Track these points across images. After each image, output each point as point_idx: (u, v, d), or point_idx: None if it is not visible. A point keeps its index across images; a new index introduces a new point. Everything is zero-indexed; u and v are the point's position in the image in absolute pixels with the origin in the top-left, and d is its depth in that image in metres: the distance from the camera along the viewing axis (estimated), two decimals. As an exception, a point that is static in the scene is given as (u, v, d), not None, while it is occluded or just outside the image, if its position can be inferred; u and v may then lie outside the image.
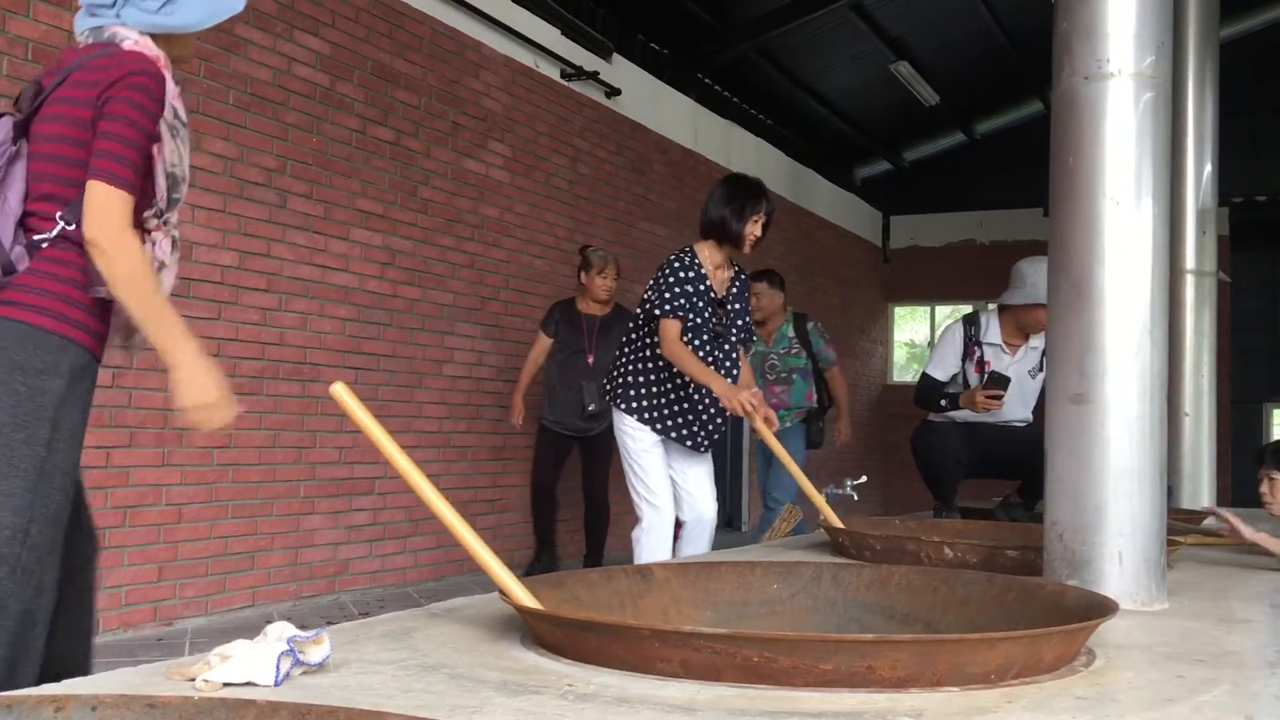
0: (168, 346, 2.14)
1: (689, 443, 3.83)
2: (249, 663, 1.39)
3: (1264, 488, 3.39)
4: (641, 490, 3.84)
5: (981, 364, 4.54)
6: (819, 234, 11.41)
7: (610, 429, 5.25)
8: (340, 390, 1.76)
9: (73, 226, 2.08)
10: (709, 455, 4.00)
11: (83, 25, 2.23)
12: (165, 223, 2.22)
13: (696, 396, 3.83)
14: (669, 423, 3.82)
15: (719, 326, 3.84)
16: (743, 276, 3.97)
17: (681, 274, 3.74)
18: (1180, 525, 3.77)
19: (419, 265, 5.67)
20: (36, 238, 2.09)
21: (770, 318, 6.18)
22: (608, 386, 4.01)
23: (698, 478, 3.96)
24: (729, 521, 9.50)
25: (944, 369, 4.61)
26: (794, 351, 6.24)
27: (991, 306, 4.70)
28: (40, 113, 2.13)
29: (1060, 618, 1.74)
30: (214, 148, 4.65)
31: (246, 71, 4.81)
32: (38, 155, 2.11)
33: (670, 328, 3.68)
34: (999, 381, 4.34)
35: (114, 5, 2.19)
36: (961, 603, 2.01)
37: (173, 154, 2.19)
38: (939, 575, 2.14)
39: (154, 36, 2.20)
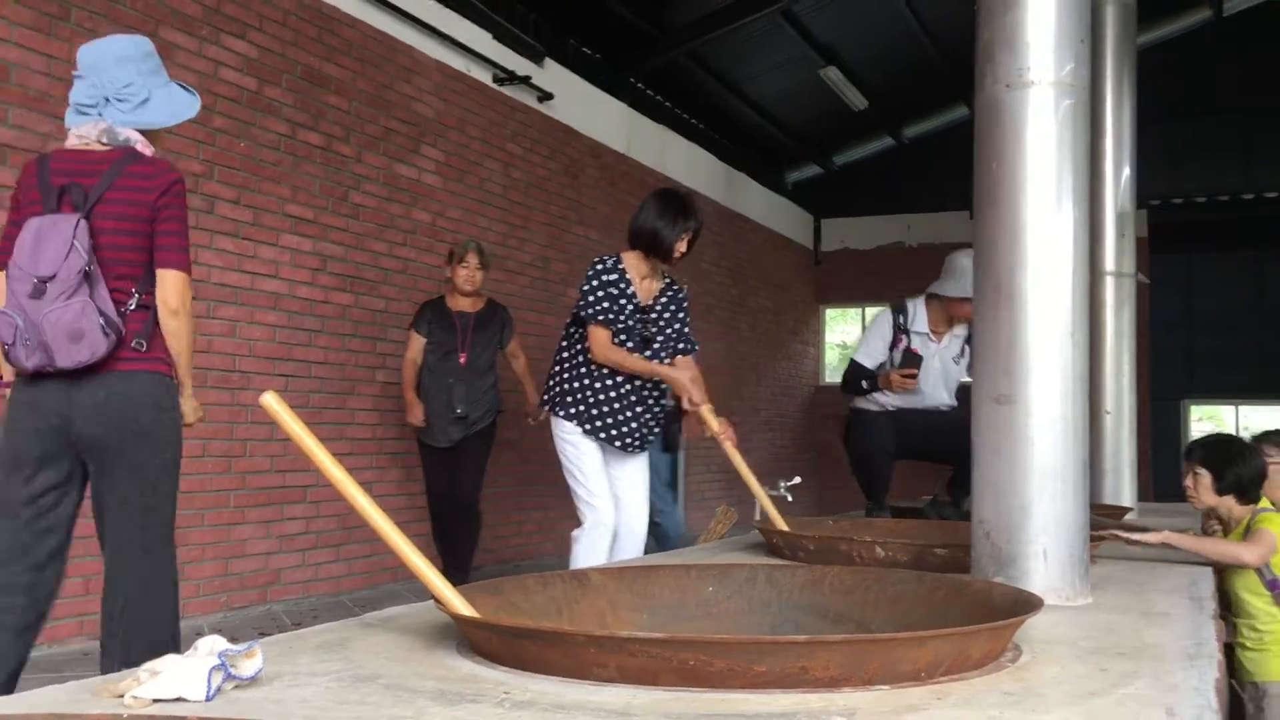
0: (188, 379, 2.99)
1: (618, 443, 3.85)
2: (179, 678, 1.37)
3: (1188, 481, 3.48)
4: (582, 493, 3.83)
5: (907, 352, 4.62)
6: (751, 237, 11.50)
7: (482, 432, 5.29)
8: (271, 400, 1.74)
9: (142, 299, 2.82)
10: (644, 461, 4.01)
11: (75, 121, 2.86)
12: None
13: (633, 398, 3.84)
14: (599, 423, 3.83)
15: (644, 333, 3.86)
16: (675, 287, 3.98)
17: (605, 277, 3.77)
18: (1103, 520, 3.87)
19: (351, 271, 5.62)
20: (121, 308, 2.79)
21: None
22: (544, 395, 4.01)
23: (631, 484, 3.97)
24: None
25: (872, 357, 4.68)
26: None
27: (920, 295, 4.76)
28: (96, 211, 2.77)
29: (987, 614, 1.78)
30: (138, 152, 4.57)
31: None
32: (107, 247, 2.77)
33: (598, 334, 3.72)
34: (912, 361, 4.51)
35: (97, 105, 2.84)
36: (892, 601, 2.05)
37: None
38: (870, 575, 2.17)
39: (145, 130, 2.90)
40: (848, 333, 15.12)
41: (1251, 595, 3.32)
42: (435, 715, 1.31)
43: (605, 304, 3.73)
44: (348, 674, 1.53)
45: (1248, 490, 3.41)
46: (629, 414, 3.83)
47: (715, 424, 3.68)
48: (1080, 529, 2.33)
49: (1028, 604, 1.73)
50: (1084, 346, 2.40)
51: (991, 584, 2.05)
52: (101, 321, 2.72)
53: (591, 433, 3.83)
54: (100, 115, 2.84)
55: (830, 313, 14.65)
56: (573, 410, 3.83)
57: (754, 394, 11.53)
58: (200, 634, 1.49)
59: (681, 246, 3.82)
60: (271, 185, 5.20)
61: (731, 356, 10.87)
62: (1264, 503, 3.42)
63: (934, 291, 4.69)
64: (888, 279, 13.42)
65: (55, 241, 2.70)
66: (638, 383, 3.85)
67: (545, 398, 3.98)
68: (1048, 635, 1.88)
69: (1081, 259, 2.42)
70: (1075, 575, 2.30)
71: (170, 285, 2.82)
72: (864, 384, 4.65)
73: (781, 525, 3.30)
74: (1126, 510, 4.85)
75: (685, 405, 3.77)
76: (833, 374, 14.65)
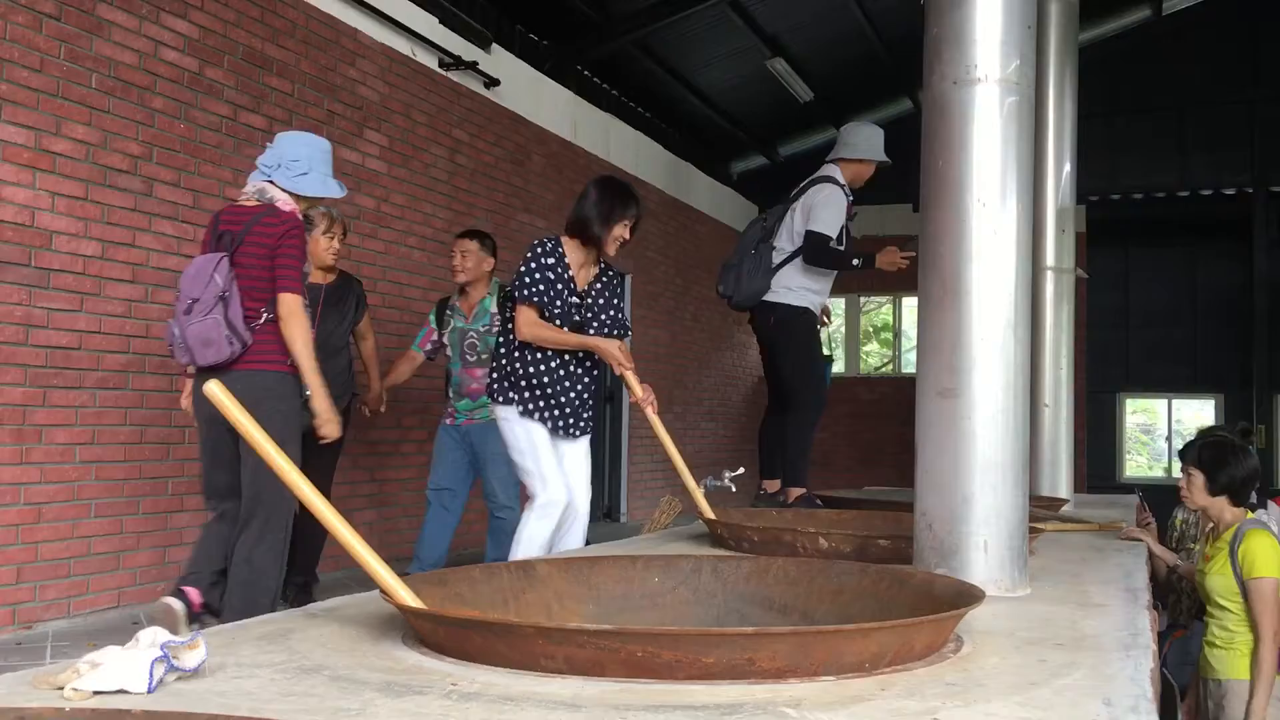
0: (313, 382, 3.68)
1: (560, 425, 3.85)
2: (121, 670, 1.35)
3: (1183, 482, 3.58)
4: (533, 469, 3.80)
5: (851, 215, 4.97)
6: (697, 228, 11.52)
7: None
8: (215, 387, 1.72)
9: (270, 315, 3.62)
10: (585, 447, 4.01)
11: (253, 181, 3.77)
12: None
13: (567, 382, 3.85)
14: (533, 405, 3.83)
15: (579, 319, 3.87)
16: (610, 273, 3.99)
17: (543, 259, 3.77)
18: (1041, 512, 3.94)
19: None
20: (252, 323, 3.60)
21: (475, 284, 5.19)
22: (488, 381, 3.99)
23: (575, 468, 3.97)
24: (608, 513, 9.54)
25: (835, 229, 4.79)
26: (496, 330, 4.96)
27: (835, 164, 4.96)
28: (239, 251, 3.63)
29: (930, 606, 1.80)
30: (74, 133, 4.46)
31: (110, 54, 4.63)
32: (244, 278, 3.60)
33: (525, 312, 3.74)
34: (913, 246, 4.45)
35: (271, 168, 3.75)
36: (836, 593, 2.07)
37: (307, 265, 3.86)
38: (815, 566, 2.19)
39: (292, 195, 3.75)
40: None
41: (1226, 600, 3.39)
42: (382, 707, 1.30)
43: (541, 286, 3.74)
44: (292, 665, 1.52)
45: (1240, 492, 3.47)
46: (564, 397, 3.83)
47: (639, 389, 3.76)
48: (1020, 521, 2.37)
49: (969, 596, 1.76)
50: (1025, 341, 2.44)
51: (934, 576, 2.08)
52: (228, 333, 3.56)
53: (527, 415, 3.83)
54: (269, 176, 3.76)
55: (774, 303, 14.73)
56: (511, 394, 3.83)
57: (697, 384, 11.56)
58: (138, 624, 1.47)
59: (620, 234, 3.82)
60: (212, 168, 5.11)
61: (675, 346, 10.89)
62: (1253, 514, 3.47)
63: (845, 156, 4.94)
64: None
65: (204, 273, 3.60)
66: (572, 366, 3.86)
67: (489, 383, 3.98)
68: (988, 626, 1.91)
69: (1024, 255, 2.46)
70: (1014, 567, 2.34)
71: (283, 303, 3.64)
72: (857, 261, 4.82)
73: (706, 510, 3.32)
74: (1063, 501, 4.95)
75: (615, 370, 3.81)
76: (776, 364, 14.76)
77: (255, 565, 3.56)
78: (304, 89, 5.74)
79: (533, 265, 3.73)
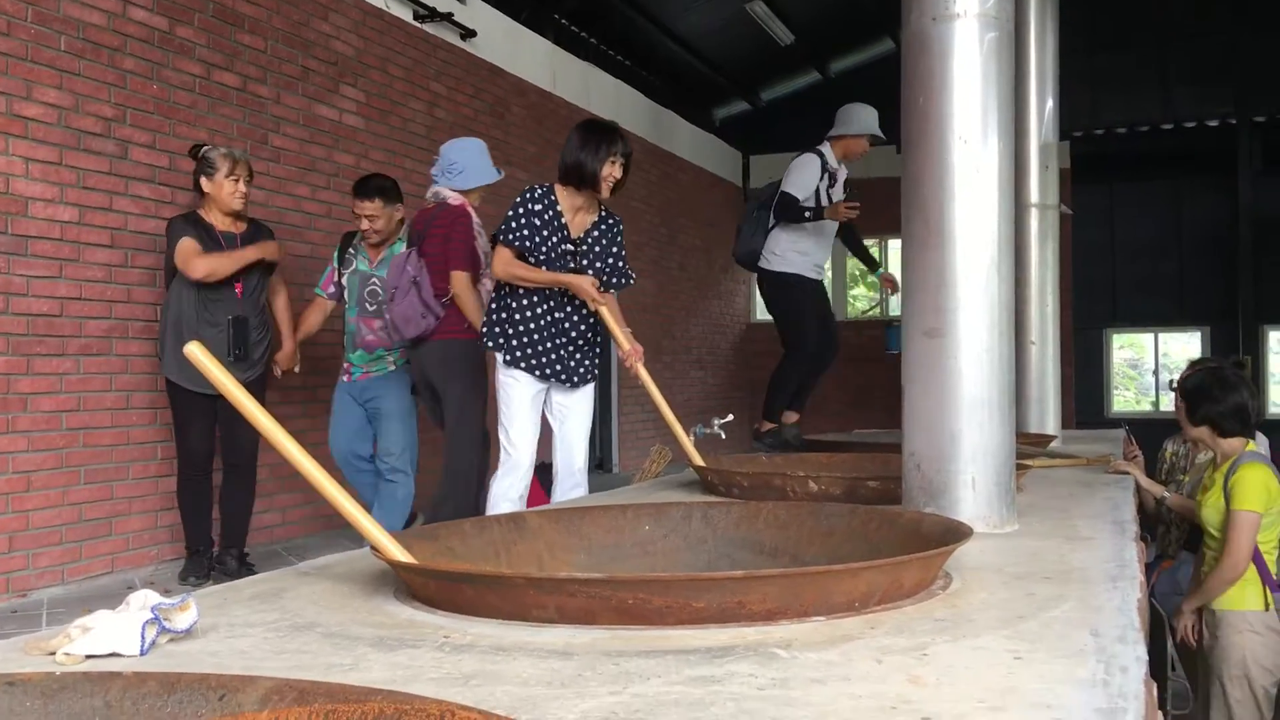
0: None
1: (552, 373, 3.86)
2: (112, 633, 1.35)
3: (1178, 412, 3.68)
4: (503, 435, 3.85)
5: (833, 182, 5.73)
6: (680, 176, 11.45)
7: (262, 376, 4.64)
8: (195, 349, 1.70)
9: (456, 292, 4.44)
10: (588, 400, 4.02)
11: (432, 187, 4.66)
12: (484, 276, 4.44)
13: (554, 329, 3.85)
14: (520, 353, 3.83)
15: (575, 267, 3.86)
16: (610, 220, 3.97)
17: (532, 205, 3.78)
18: (1028, 449, 3.96)
19: (273, 216, 5.48)
20: (442, 299, 4.42)
21: (387, 239, 4.98)
22: (483, 330, 3.98)
23: (569, 421, 3.98)
24: (600, 464, 9.57)
25: (803, 190, 5.53)
26: None
27: (825, 142, 5.82)
28: (424, 243, 4.49)
29: (918, 544, 1.81)
30: (46, 97, 4.40)
31: (78, 16, 4.55)
32: (431, 265, 4.42)
33: (501, 253, 3.76)
34: (856, 196, 5.65)
35: (439, 175, 4.62)
36: (826, 535, 2.08)
37: (481, 247, 4.51)
38: (804, 509, 2.20)
39: (457, 190, 4.57)
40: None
41: (1220, 531, 3.44)
42: (375, 661, 1.31)
43: (525, 231, 3.74)
44: (285, 624, 1.52)
45: (1222, 425, 3.47)
46: (552, 342, 3.84)
47: (625, 342, 3.75)
48: (1007, 458, 2.38)
49: (957, 533, 1.76)
50: (1009, 279, 2.43)
51: (922, 514, 2.09)
52: (423, 310, 4.40)
53: (514, 363, 3.84)
54: (438, 180, 4.62)
55: (760, 250, 14.68)
56: (501, 341, 3.86)
57: (685, 333, 11.55)
58: (131, 588, 1.47)
59: (613, 173, 3.81)
60: (187, 129, 5.05)
61: (662, 295, 10.86)
62: (1251, 446, 3.47)
63: (840, 133, 5.78)
64: (816, 215, 13.49)
65: (399, 265, 4.48)
66: (560, 314, 3.86)
67: (484, 335, 3.98)
68: (977, 562, 1.92)
69: (1007, 192, 2.45)
70: (1002, 503, 2.35)
71: (454, 280, 4.41)
72: (807, 214, 5.42)
73: (695, 457, 3.33)
74: (1051, 439, 4.97)
75: (591, 306, 3.82)
76: (763, 311, 14.74)
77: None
78: (277, 45, 5.66)
79: (519, 211, 3.74)
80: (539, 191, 3.81)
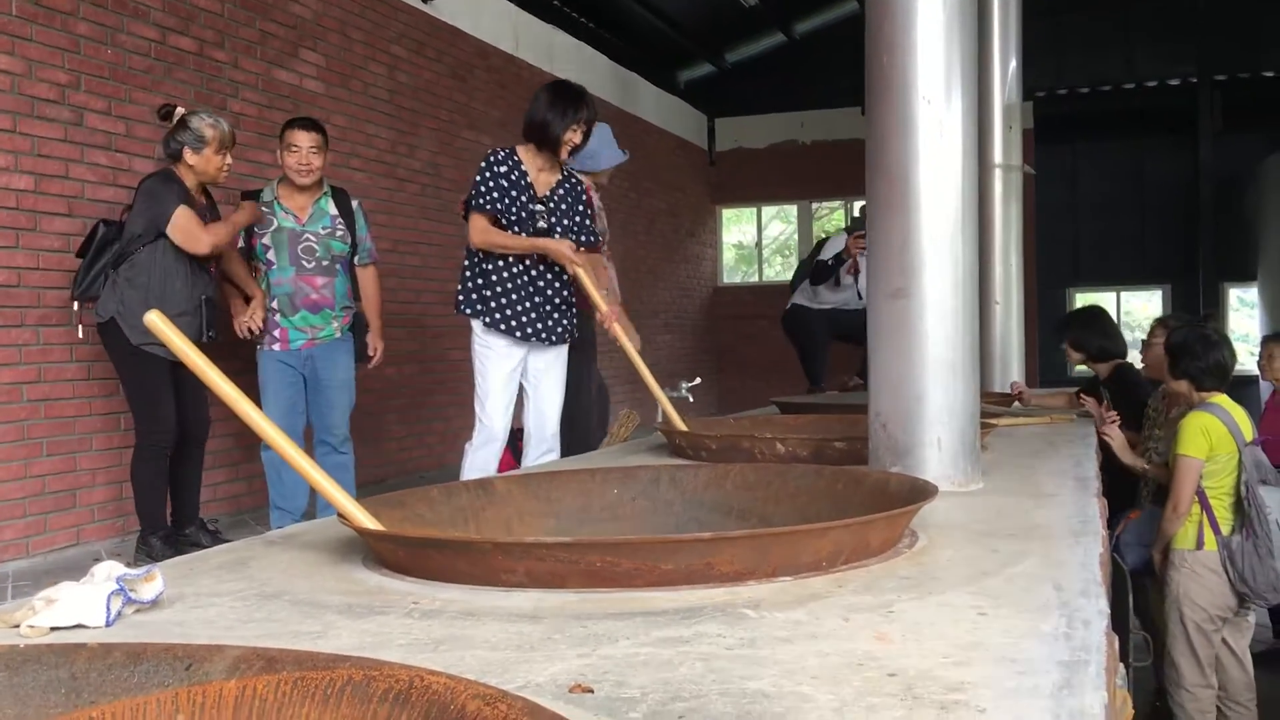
0: (600, 305, 4.01)
1: (530, 332, 3.86)
2: (78, 605, 1.34)
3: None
4: (477, 404, 3.86)
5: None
6: (645, 139, 11.41)
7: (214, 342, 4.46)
8: (156, 318, 1.68)
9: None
10: (561, 363, 4.02)
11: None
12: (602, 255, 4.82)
13: (530, 288, 3.85)
14: (499, 314, 3.83)
15: (544, 225, 3.86)
16: (573, 180, 3.97)
17: (496, 168, 3.78)
18: (994, 409, 4.00)
19: (234, 183, 5.41)
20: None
21: (314, 188, 4.82)
22: (459, 298, 3.95)
23: (542, 383, 3.99)
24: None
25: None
26: (338, 234, 4.79)
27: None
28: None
29: (885, 504, 1.82)
30: (-3, 62, 4.32)
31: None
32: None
33: (476, 220, 3.75)
34: (860, 225, 6.39)
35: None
36: (794, 495, 2.09)
37: (600, 228, 4.53)
38: (771, 470, 2.21)
39: (587, 173, 4.54)
40: (744, 232, 15.19)
41: None
42: (344, 628, 1.30)
43: (495, 194, 3.73)
44: (252, 593, 1.51)
45: (1201, 381, 3.66)
46: (529, 302, 3.84)
47: (602, 303, 3.75)
48: (972, 418, 2.40)
49: (923, 491, 1.78)
50: (974, 240, 2.44)
51: (889, 474, 2.11)
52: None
53: (493, 326, 3.84)
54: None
55: (727, 213, 14.68)
56: (479, 306, 3.86)
57: (652, 297, 11.55)
58: (97, 560, 1.46)
59: (573, 138, 3.81)
60: (143, 94, 4.97)
61: (629, 260, 10.84)
62: (1218, 398, 3.63)
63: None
64: (783, 178, 13.48)
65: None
66: (534, 272, 3.86)
67: (459, 300, 3.97)
68: (943, 520, 1.94)
69: (971, 152, 2.45)
70: (967, 462, 2.37)
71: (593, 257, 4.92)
72: (830, 262, 6.59)
73: (678, 421, 3.34)
74: (1015, 398, 5.01)
75: (568, 268, 3.82)
76: (730, 274, 14.75)
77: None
78: (234, 8, 5.57)
79: (486, 174, 3.74)
80: (502, 154, 3.80)
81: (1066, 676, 1.04)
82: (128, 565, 1.45)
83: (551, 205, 3.86)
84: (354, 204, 4.97)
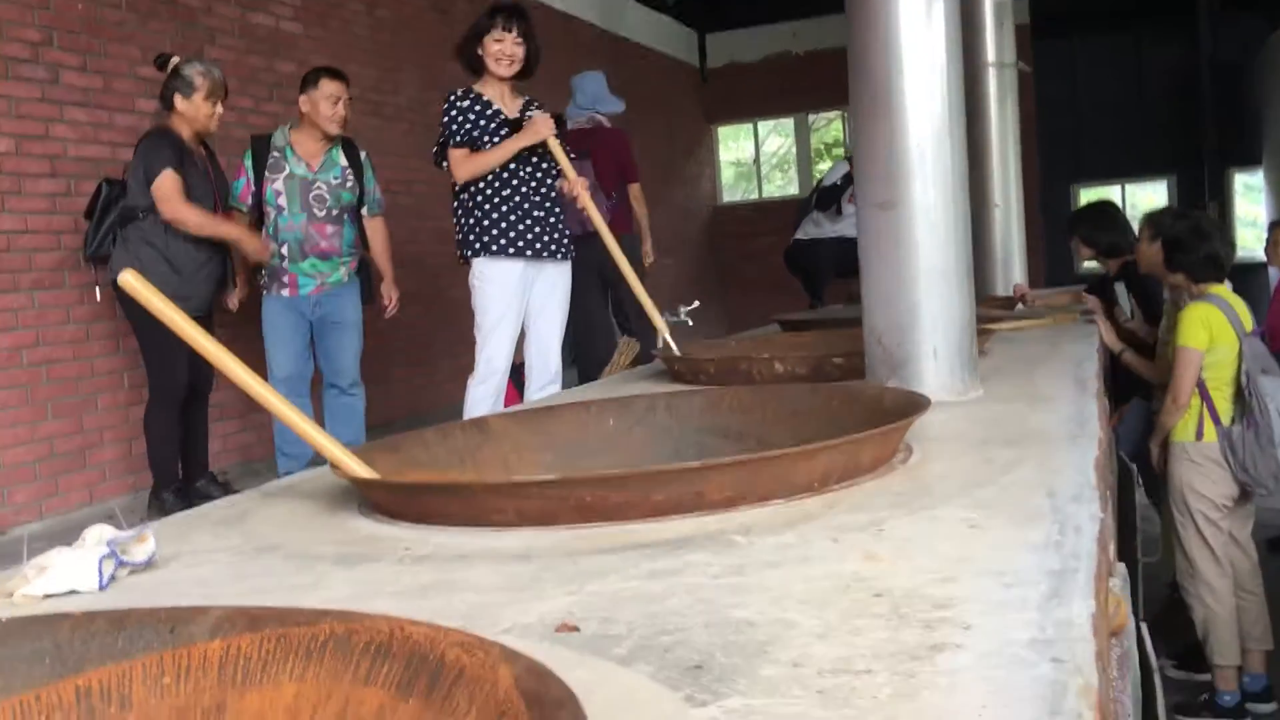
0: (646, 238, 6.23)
1: (539, 247, 3.86)
2: (69, 571, 1.34)
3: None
4: (479, 339, 3.85)
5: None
6: (634, 60, 11.23)
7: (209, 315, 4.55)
8: (130, 278, 1.66)
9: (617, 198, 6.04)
10: (564, 289, 4.01)
11: (585, 113, 5.98)
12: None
13: (525, 205, 3.84)
14: (503, 239, 3.82)
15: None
16: (536, 104, 3.96)
17: (458, 104, 3.77)
18: (995, 313, 3.97)
19: (219, 131, 5.35)
20: (611, 201, 5.77)
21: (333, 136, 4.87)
22: (458, 249, 3.96)
23: (551, 318, 3.99)
24: (575, 359, 9.56)
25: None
26: (348, 185, 4.89)
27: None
28: (594, 159, 5.57)
29: (880, 419, 1.81)
30: (-34, 24, 4.25)
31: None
32: (600, 174, 5.50)
33: (455, 155, 3.73)
34: None
35: (589, 107, 5.95)
36: (791, 415, 2.08)
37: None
38: (768, 392, 2.20)
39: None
40: (742, 149, 15.02)
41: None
42: (336, 579, 1.30)
43: (467, 126, 3.71)
44: (248, 547, 1.51)
45: (1196, 273, 3.64)
46: (527, 220, 3.84)
47: (570, 170, 3.76)
48: (967, 326, 2.38)
49: (916, 405, 1.76)
50: (962, 143, 2.40)
51: (883, 389, 2.10)
52: (602, 209, 4.61)
53: (500, 251, 3.82)
54: (584, 109, 5.80)
55: (723, 130, 14.50)
56: (485, 240, 3.84)
57: (650, 220, 11.45)
58: (112, 517, 1.46)
59: (504, 50, 3.78)
60: (119, 47, 4.89)
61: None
62: (1217, 289, 3.60)
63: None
64: (778, 91, 13.28)
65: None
66: (524, 189, 3.85)
67: (459, 247, 3.97)
68: (939, 432, 1.93)
69: (956, 54, 2.39)
70: (965, 370, 2.36)
71: (633, 191, 5.85)
72: (840, 182, 6.94)
73: (673, 346, 3.32)
74: (1017, 300, 4.98)
75: (548, 141, 3.81)
76: (729, 193, 14.62)
77: None
78: (204, -48, 5.46)
79: (453, 113, 3.71)
80: (461, 91, 3.80)
81: (1055, 586, 1.04)
82: (142, 520, 1.45)
83: (526, 122, 3.84)
84: (362, 155, 5.00)
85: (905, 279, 2.33)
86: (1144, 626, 1.77)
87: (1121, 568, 1.60)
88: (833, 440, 1.51)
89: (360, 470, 1.67)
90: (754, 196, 14.59)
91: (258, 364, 4.78)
